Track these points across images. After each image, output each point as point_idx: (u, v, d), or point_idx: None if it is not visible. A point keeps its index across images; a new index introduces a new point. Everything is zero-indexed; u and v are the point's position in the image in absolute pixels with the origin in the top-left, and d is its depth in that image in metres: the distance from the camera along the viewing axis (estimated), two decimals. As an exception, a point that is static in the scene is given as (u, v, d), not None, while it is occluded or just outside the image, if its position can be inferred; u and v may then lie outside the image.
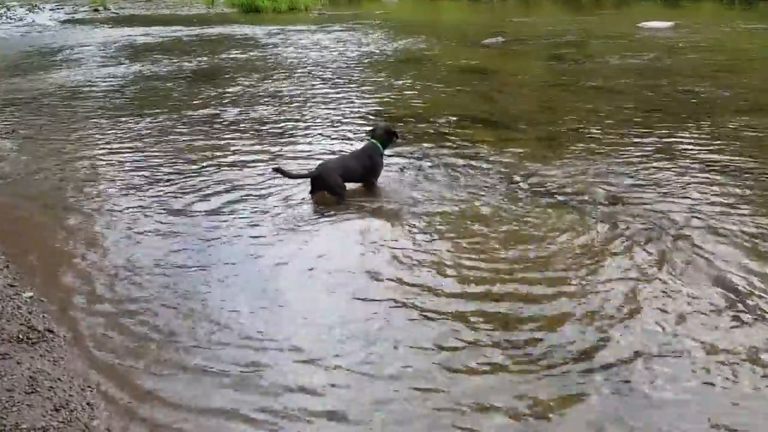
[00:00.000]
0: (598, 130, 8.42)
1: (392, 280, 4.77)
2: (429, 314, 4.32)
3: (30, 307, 4.45)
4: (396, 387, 3.62)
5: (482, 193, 6.35)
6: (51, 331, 4.15)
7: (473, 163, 7.21)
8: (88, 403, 3.48)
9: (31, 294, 4.65)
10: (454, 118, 9.21)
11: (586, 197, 6.17)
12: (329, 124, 9.22)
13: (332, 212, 6.04)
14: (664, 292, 4.47)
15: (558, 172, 6.87)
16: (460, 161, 7.27)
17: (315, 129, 8.98)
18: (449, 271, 4.86)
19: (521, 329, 4.12)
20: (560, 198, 6.18)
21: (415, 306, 4.41)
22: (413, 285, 4.67)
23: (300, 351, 3.98)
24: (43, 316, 4.35)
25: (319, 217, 5.94)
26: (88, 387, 3.64)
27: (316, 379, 3.71)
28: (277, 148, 8.10)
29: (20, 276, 4.97)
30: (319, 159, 7.26)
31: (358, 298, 4.56)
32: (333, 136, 8.56)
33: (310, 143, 8.30)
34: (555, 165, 7.08)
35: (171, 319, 4.38)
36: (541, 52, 15.12)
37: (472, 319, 4.24)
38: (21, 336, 4.06)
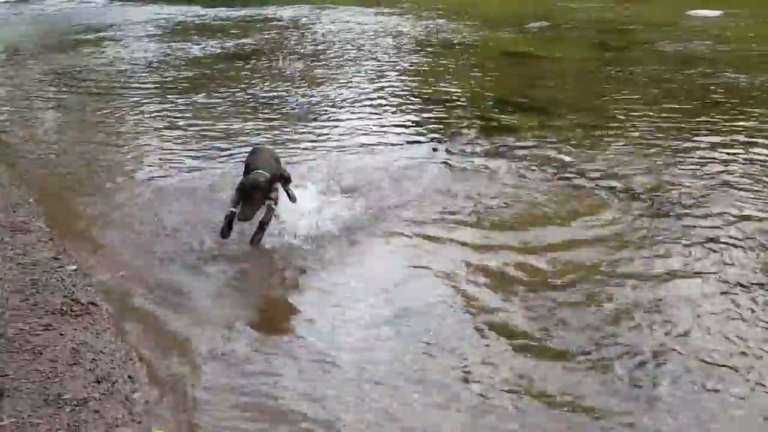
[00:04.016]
0: (641, 119, 8.23)
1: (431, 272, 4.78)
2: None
3: (74, 281, 4.55)
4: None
5: (520, 182, 6.25)
6: (94, 304, 4.24)
7: (512, 150, 7.11)
8: (129, 376, 3.55)
9: (74, 267, 4.75)
10: (494, 103, 9.10)
11: (627, 189, 6.04)
12: (364, 106, 9.22)
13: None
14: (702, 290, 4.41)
15: (599, 161, 6.73)
16: (499, 148, 7.19)
17: (350, 111, 9.00)
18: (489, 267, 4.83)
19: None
20: (601, 188, 6.06)
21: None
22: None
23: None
24: (87, 290, 4.45)
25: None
26: (130, 360, 3.72)
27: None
28: (310, 130, 8.14)
29: (64, 249, 5.08)
30: (352, 142, 7.35)
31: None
32: (368, 120, 8.56)
33: (345, 126, 8.31)
34: (596, 154, 6.94)
35: (214, 296, 4.45)
36: (585, 38, 14.81)
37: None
38: (64, 308, 4.15)
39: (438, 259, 4.91)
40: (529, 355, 3.78)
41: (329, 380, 3.60)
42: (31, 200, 6.03)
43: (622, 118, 8.30)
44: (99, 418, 3.19)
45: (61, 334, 3.87)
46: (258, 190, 4.79)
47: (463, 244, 5.14)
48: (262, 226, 4.98)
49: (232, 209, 4.87)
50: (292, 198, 5.46)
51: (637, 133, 7.58)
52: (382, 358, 3.81)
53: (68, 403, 3.27)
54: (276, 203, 5.11)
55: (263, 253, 5.08)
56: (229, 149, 7.46)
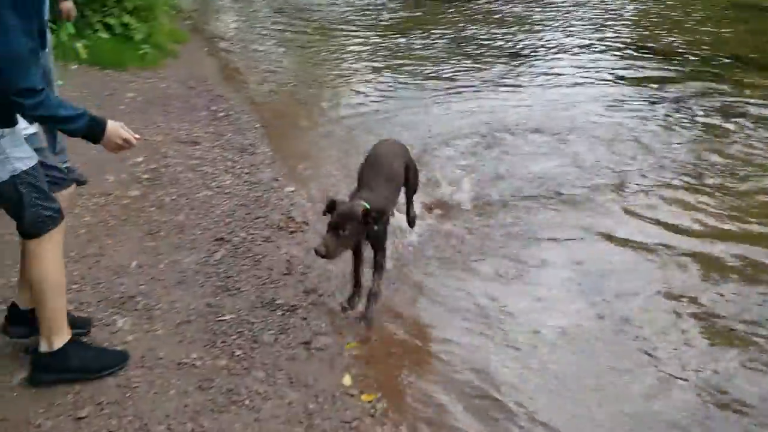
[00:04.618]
0: None
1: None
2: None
3: (291, 201, 4.92)
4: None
5: (753, 150, 5.66)
6: (306, 224, 4.57)
7: (744, 111, 6.47)
8: (333, 292, 3.81)
9: (292, 189, 5.13)
10: (726, 59, 8.33)
11: None
12: (583, 54, 8.88)
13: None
14: None
15: None
16: (729, 108, 6.58)
17: (568, 59, 8.72)
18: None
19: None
20: None
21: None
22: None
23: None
24: (302, 209, 4.79)
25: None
26: (335, 277, 3.97)
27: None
28: (522, 76, 8.01)
29: (284, 172, 5.49)
30: (566, 91, 7.09)
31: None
32: (587, 69, 8.23)
33: (561, 74, 8.07)
34: None
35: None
36: None
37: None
38: (282, 225, 4.53)
39: (645, 237, 4.43)
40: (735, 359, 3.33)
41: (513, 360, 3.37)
42: (257, 126, 6.55)
43: None
44: (305, 326, 3.47)
45: (277, 247, 4.23)
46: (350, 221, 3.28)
47: (678, 220, 4.62)
48: (372, 294, 3.60)
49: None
50: (411, 221, 4.30)
51: None
52: (571, 346, 3.46)
53: (280, 308, 3.60)
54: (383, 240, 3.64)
55: (456, 214, 4.87)
56: (438, 91, 7.58)
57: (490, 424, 2.94)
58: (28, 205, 2.65)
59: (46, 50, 4.33)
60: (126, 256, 4.00)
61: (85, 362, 2.97)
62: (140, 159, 5.42)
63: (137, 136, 2.83)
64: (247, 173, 5.34)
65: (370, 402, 2.98)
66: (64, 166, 4.63)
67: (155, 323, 3.39)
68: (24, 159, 2.63)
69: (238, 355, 3.18)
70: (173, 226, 4.39)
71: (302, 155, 6.01)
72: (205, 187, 5.03)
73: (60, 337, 2.89)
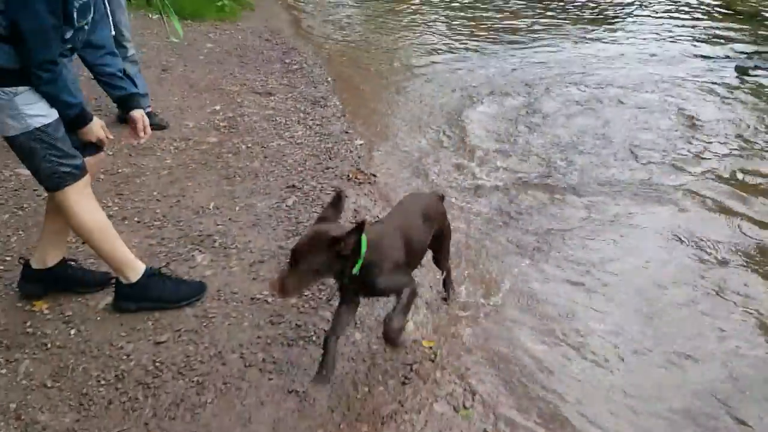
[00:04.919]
0: None
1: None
2: None
3: (359, 153, 5.05)
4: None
5: None
6: (374, 176, 4.70)
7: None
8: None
9: (361, 142, 5.25)
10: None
11: None
12: (670, 13, 8.66)
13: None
14: None
15: None
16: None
17: (652, 17, 8.55)
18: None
19: None
20: None
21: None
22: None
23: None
24: (369, 162, 4.92)
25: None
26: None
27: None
28: (606, 34, 7.88)
29: (353, 125, 5.61)
30: (650, 50, 6.98)
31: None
32: (673, 29, 8.05)
33: (646, 33, 7.94)
34: None
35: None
36: None
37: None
38: (350, 175, 4.66)
39: (712, 231, 4.21)
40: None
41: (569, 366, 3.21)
42: (329, 79, 6.68)
43: None
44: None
45: (345, 197, 4.32)
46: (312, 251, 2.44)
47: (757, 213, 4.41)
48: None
49: None
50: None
51: None
52: (614, 336, 3.36)
53: (347, 255, 3.73)
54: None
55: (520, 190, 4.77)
56: (511, 45, 7.54)
57: (520, 394, 2.94)
58: (41, 160, 2.77)
59: (110, 27, 4.49)
60: (205, 197, 4.22)
61: (164, 293, 3.18)
62: (218, 107, 5.63)
63: (111, 136, 3.03)
64: (318, 125, 5.49)
65: (430, 348, 3.09)
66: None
67: (231, 260, 3.59)
68: (37, 117, 2.73)
69: (306, 295, 3.34)
70: (248, 172, 4.58)
71: (371, 109, 6.15)
72: (279, 136, 5.20)
73: (133, 271, 3.10)
